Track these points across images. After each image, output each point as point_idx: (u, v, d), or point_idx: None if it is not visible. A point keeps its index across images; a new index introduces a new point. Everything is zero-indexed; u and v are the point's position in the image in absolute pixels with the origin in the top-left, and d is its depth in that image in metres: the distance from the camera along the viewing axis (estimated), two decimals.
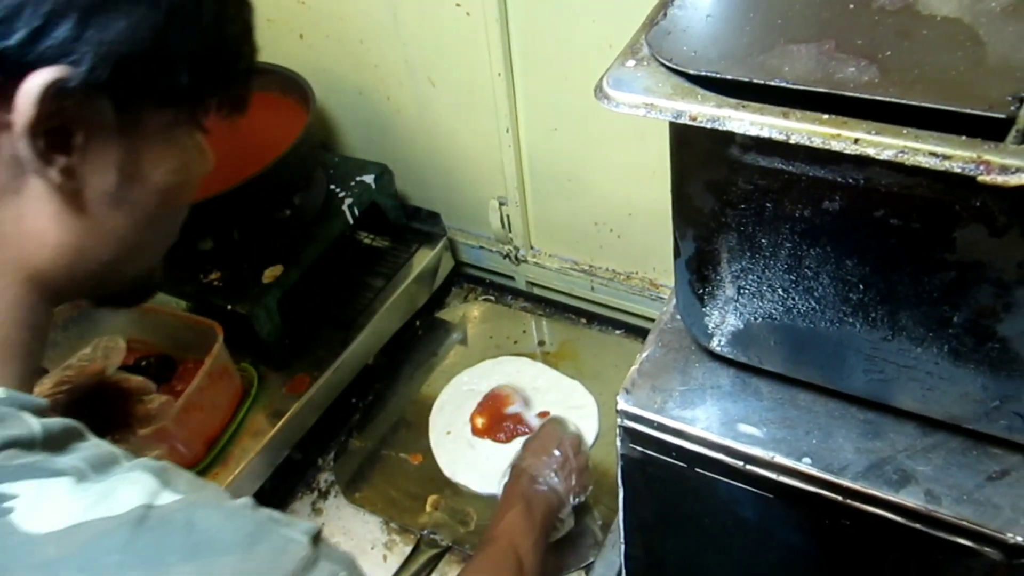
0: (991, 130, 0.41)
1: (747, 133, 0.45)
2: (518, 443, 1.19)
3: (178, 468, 0.46)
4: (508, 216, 1.37)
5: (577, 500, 1.00)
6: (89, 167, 0.46)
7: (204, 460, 1.13)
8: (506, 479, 1.00)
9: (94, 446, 0.45)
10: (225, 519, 0.44)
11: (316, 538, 0.46)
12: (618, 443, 0.67)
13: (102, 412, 1.00)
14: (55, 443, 0.43)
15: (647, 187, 1.17)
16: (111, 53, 0.43)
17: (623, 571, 0.85)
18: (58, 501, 0.41)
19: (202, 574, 0.41)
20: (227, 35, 0.50)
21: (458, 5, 1.12)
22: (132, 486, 0.43)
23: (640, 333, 1.35)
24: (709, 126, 0.46)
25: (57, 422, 0.44)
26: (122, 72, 0.44)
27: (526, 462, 0.99)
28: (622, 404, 0.64)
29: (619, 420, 0.65)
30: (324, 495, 1.23)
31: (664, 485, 0.68)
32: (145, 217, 0.51)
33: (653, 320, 1.34)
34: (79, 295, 0.54)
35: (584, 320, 1.40)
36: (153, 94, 0.47)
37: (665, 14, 0.52)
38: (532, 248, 1.42)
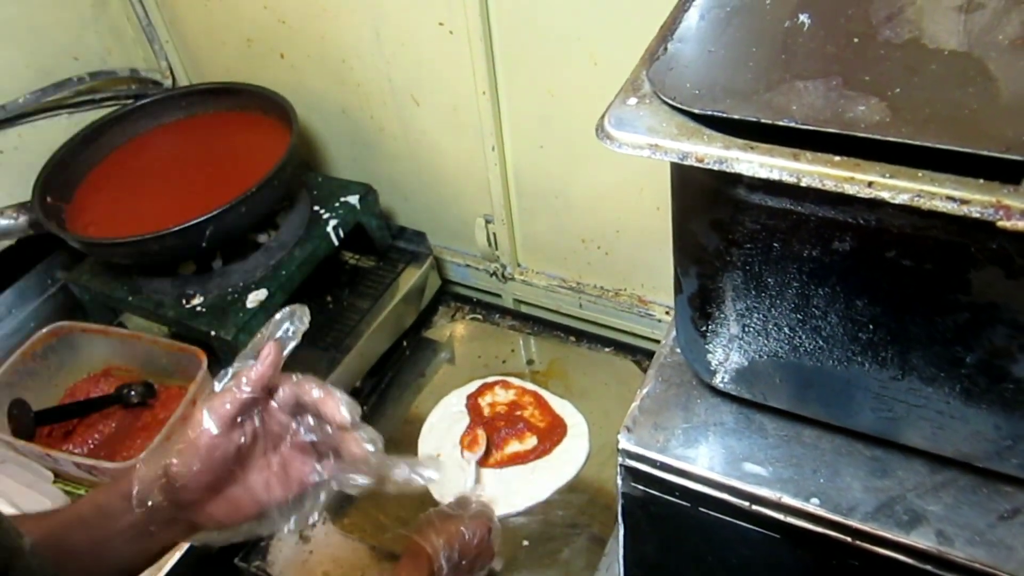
0: (1008, 172, 0.40)
1: (756, 175, 0.44)
2: (512, 469, 1.18)
3: None
4: (494, 234, 1.36)
5: None
6: None
7: None
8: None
9: None
10: None
11: None
12: (619, 481, 0.66)
13: None
14: None
15: (634, 204, 1.16)
16: None
17: None
18: None
19: None
20: None
21: (441, 24, 1.10)
22: None
23: (629, 350, 1.34)
24: (717, 168, 0.45)
25: None
26: None
27: (426, 539, 0.92)
28: (624, 443, 0.62)
29: (620, 459, 0.64)
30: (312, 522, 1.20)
31: (667, 524, 0.66)
32: None
33: (642, 337, 1.35)
34: None
35: (573, 338, 1.38)
36: None
37: (666, 48, 0.51)
38: (519, 266, 1.41)
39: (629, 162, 1.10)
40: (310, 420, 0.66)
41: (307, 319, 0.67)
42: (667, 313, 1.29)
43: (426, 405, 1.31)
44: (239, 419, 0.61)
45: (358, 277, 1.38)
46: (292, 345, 0.66)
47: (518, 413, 1.25)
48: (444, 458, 1.22)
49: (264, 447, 0.65)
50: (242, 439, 0.62)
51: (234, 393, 0.61)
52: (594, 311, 1.37)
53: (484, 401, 1.27)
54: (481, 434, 1.21)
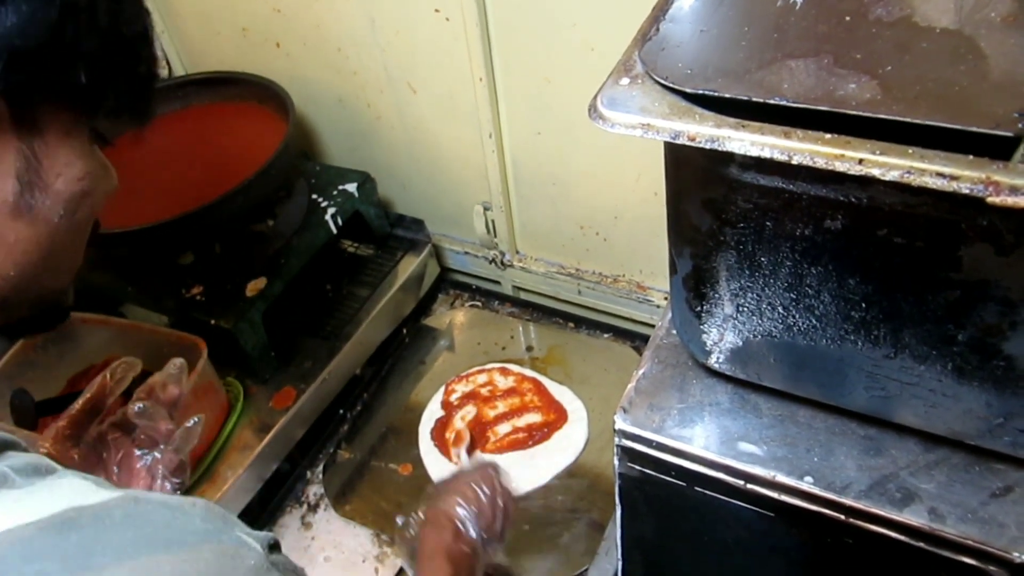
0: (997, 148, 0.40)
1: (747, 154, 0.44)
2: (512, 455, 1.19)
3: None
4: (493, 221, 1.36)
5: (490, 558, 0.87)
6: None
7: (191, 478, 1.11)
8: (421, 516, 0.87)
9: (30, 456, 0.41)
10: (171, 515, 0.40)
11: (273, 547, 0.42)
12: (616, 462, 0.66)
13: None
14: None
15: (632, 190, 1.16)
16: (2, 47, 0.42)
17: None
18: None
19: (138, 575, 0.36)
20: (125, 35, 0.49)
21: (437, 11, 1.10)
22: (62, 489, 0.39)
23: (628, 336, 1.34)
24: (708, 146, 0.45)
25: None
26: (15, 66, 0.43)
27: (449, 506, 0.85)
28: (620, 424, 0.63)
29: (617, 439, 0.64)
30: (313, 508, 1.21)
31: (663, 504, 0.67)
32: (48, 230, 0.49)
33: (641, 323, 1.35)
34: None
35: (572, 324, 1.39)
36: (49, 91, 0.46)
37: (658, 29, 0.51)
38: (518, 253, 1.41)
39: (626, 148, 1.11)
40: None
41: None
42: (665, 299, 1.29)
43: (426, 392, 1.32)
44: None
45: (357, 265, 1.39)
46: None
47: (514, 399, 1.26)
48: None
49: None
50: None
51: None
52: (593, 297, 1.37)
53: (455, 394, 1.29)
54: (462, 428, 1.22)
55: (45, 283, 0.53)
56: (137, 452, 0.78)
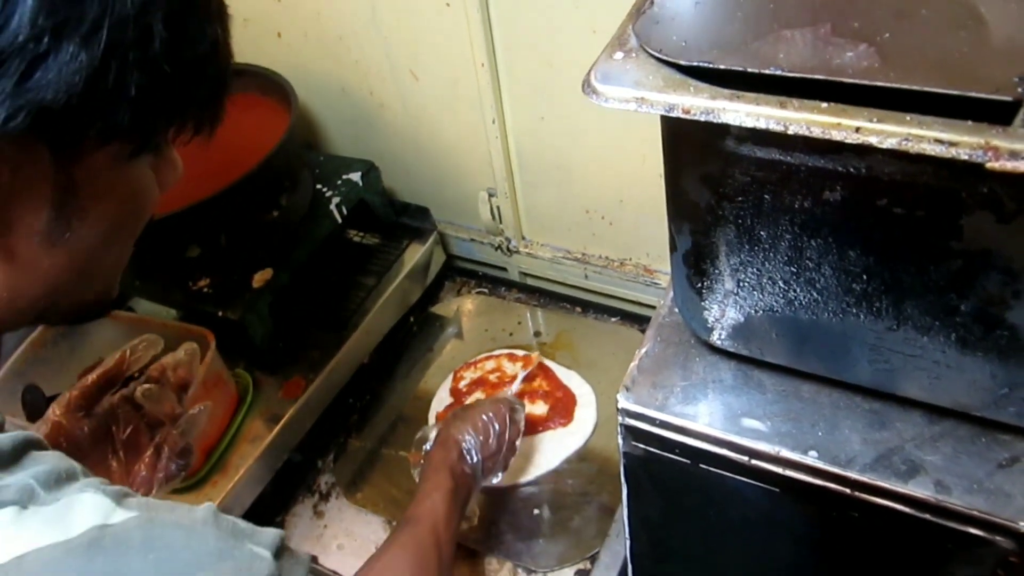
0: (998, 114, 0.40)
1: (743, 125, 0.43)
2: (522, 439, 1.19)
3: (132, 492, 0.44)
4: (498, 208, 1.35)
5: (488, 482, 0.99)
6: (18, 207, 0.42)
7: (202, 469, 1.12)
8: (431, 439, 0.99)
9: (51, 459, 0.42)
10: (186, 537, 0.42)
11: (280, 550, 0.44)
12: (620, 441, 0.66)
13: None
14: (5, 460, 0.41)
15: (637, 173, 1.15)
16: (29, 103, 0.39)
17: (628, 564, 0.84)
18: (0, 533, 0.38)
19: None
20: (183, 61, 0.45)
21: None
22: (84, 507, 0.40)
23: (636, 320, 1.34)
24: (703, 119, 0.44)
25: (8, 437, 0.41)
26: (45, 120, 0.39)
27: (459, 431, 0.96)
28: (623, 402, 0.63)
29: (620, 418, 0.64)
30: (325, 497, 1.22)
31: (668, 482, 0.67)
32: (85, 253, 0.47)
33: (648, 306, 1.35)
34: (25, 324, 0.51)
35: (579, 309, 1.39)
36: (91, 135, 0.43)
37: (652, 2, 0.50)
38: (524, 239, 1.41)
39: (631, 131, 1.11)
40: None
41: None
42: None
43: (435, 380, 1.32)
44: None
45: (363, 254, 1.39)
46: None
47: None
48: None
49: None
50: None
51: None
52: (600, 282, 1.37)
53: (463, 381, 1.28)
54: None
55: (83, 294, 0.52)
56: (145, 429, 0.79)
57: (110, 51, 0.40)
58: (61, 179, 0.43)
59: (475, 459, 0.95)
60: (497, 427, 0.99)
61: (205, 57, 0.47)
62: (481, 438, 0.96)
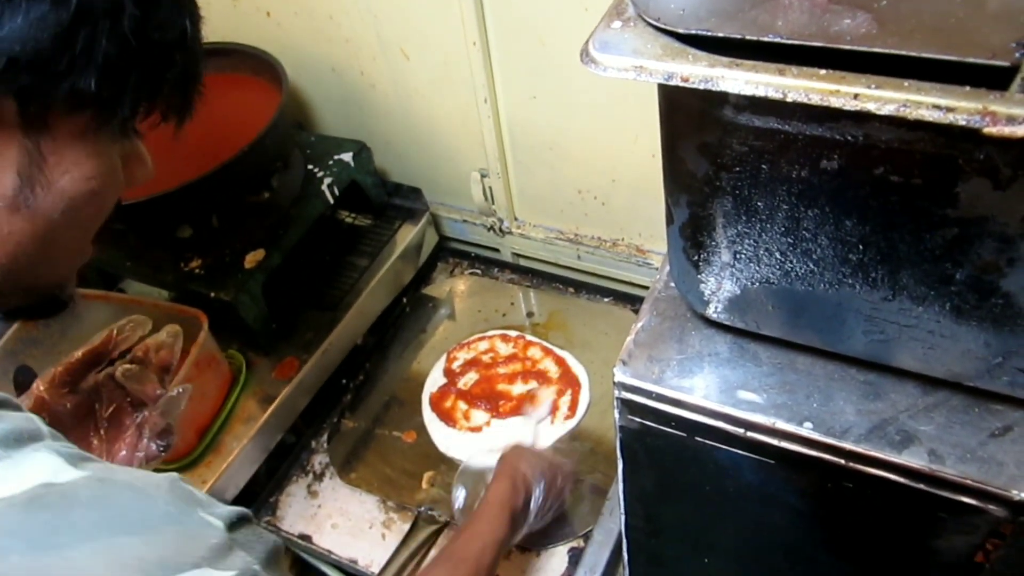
0: (995, 79, 0.40)
1: (742, 93, 0.43)
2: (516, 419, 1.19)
3: (96, 458, 0.43)
4: (490, 188, 1.35)
5: (527, 531, 0.96)
6: None
7: (196, 450, 1.11)
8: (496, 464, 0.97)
9: (16, 419, 0.42)
10: (136, 498, 0.41)
11: (236, 524, 0.43)
12: (616, 415, 0.66)
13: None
14: None
15: (630, 152, 1.15)
16: (1, 50, 0.41)
17: (623, 539, 0.85)
18: None
19: (97, 556, 0.37)
20: (152, 41, 0.47)
21: None
22: (33, 465, 0.40)
23: (628, 300, 1.34)
24: (702, 87, 0.44)
25: None
26: (17, 70, 0.42)
27: (532, 479, 0.94)
28: (619, 376, 0.63)
29: (616, 392, 0.64)
30: (319, 477, 1.22)
31: (664, 455, 0.67)
32: (47, 225, 0.48)
33: (641, 287, 1.35)
34: None
35: (572, 289, 1.39)
36: (59, 97, 0.45)
37: None
38: (516, 219, 1.40)
39: (623, 109, 1.10)
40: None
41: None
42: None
43: (428, 361, 1.32)
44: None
45: (355, 235, 1.38)
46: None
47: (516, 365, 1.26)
48: None
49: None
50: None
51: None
52: (592, 262, 1.37)
53: (457, 362, 1.29)
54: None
55: (41, 274, 0.53)
56: (129, 408, 0.79)
57: (80, 17, 0.43)
58: (28, 145, 0.45)
59: (532, 514, 0.92)
60: (560, 484, 0.98)
61: (174, 43, 0.49)
62: (545, 494, 0.94)
